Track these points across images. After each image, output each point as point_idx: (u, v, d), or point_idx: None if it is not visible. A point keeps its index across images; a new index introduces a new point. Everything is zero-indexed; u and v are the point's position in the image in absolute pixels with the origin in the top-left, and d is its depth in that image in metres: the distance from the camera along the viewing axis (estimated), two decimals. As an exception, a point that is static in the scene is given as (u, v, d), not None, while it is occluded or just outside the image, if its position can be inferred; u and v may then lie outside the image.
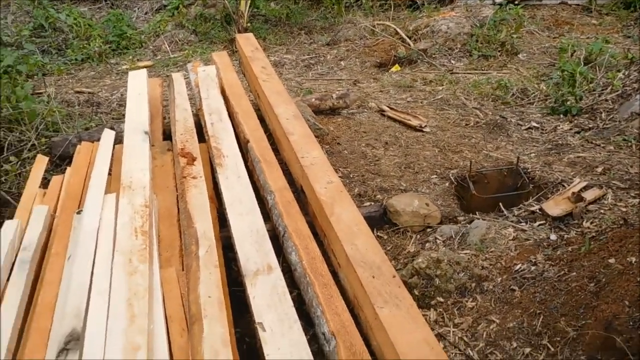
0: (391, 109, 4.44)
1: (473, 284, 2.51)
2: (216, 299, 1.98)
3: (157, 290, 2.12)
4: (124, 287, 2.01)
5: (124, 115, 4.74)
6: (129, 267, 2.10)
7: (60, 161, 3.89)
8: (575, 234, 2.80)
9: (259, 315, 1.96)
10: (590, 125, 4.27)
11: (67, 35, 6.90)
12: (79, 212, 2.55)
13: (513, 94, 4.88)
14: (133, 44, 6.91)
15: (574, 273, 2.41)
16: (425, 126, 4.19)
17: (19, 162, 3.76)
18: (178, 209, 2.73)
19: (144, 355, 1.75)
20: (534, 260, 2.58)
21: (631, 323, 2.04)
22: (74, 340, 1.87)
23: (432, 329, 2.05)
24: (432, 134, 4.13)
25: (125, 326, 1.85)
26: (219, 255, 2.29)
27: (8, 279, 2.29)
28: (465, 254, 2.69)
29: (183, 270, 2.34)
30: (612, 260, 2.37)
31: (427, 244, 2.92)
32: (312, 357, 1.82)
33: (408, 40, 6.20)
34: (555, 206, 3.06)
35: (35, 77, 5.82)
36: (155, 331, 1.94)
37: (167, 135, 3.57)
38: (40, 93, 5.12)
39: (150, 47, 6.93)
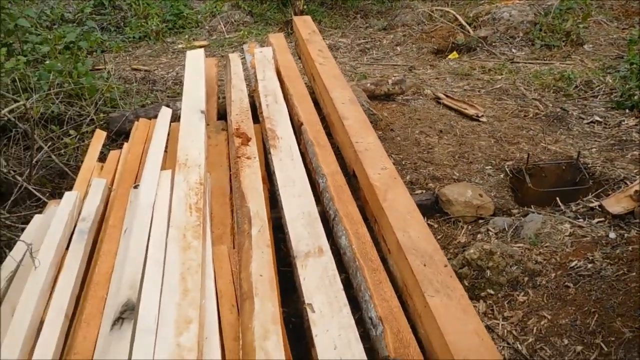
0: (447, 96, 4.37)
1: (525, 278, 2.45)
2: (267, 278, 2.00)
3: (209, 266, 2.16)
4: (177, 262, 2.05)
5: (178, 93, 4.84)
6: (183, 242, 2.14)
7: (116, 136, 3.99)
8: (636, 233, 2.70)
9: (309, 297, 1.96)
10: (657, 121, 4.10)
11: (125, 14, 7.06)
12: (135, 187, 2.61)
13: (576, 86, 4.72)
14: (189, 24, 7.02)
15: (634, 273, 2.32)
16: (482, 116, 4.10)
17: (78, 136, 3.87)
18: (231, 187, 2.76)
19: (195, 328, 1.78)
20: (591, 258, 2.50)
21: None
22: (129, 310, 1.92)
23: (481, 321, 2.01)
24: (488, 124, 4.04)
25: (179, 299, 1.88)
26: (270, 236, 2.31)
27: (67, 248, 2.37)
28: (519, 247, 2.63)
29: (234, 248, 2.37)
30: (674, 262, 2.28)
31: (478, 236, 2.86)
32: (360, 341, 1.82)
33: (467, 27, 6.07)
34: (616, 204, 2.96)
35: (95, 53, 5.97)
36: (207, 306, 1.97)
37: (221, 115, 3.61)
38: (100, 69, 5.25)
39: (206, 27, 7.02)
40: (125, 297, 1.96)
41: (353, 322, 1.88)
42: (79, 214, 2.55)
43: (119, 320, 1.89)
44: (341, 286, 2.02)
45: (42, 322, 2.03)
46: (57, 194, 3.37)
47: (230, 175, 2.84)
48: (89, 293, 2.11)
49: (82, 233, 2.40)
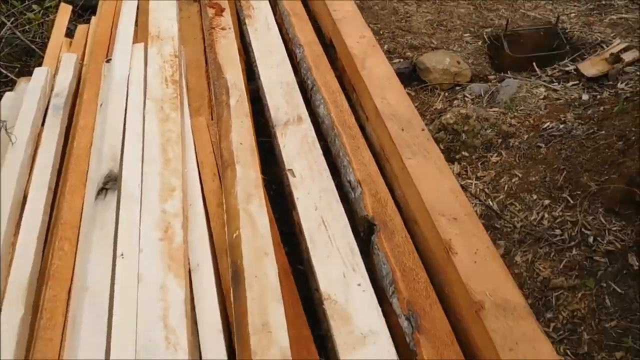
0: (425, -38, 4.20)
1: (499, 140, 2.52)
2: (248, 146, 2.02)
3: (189, 137, 2.17)
4: (157, 133, 2.05)
5: (145, -35, 4.58)
6: (161, 114, 2.13)
7: (82, 11, 3.81)
8: (609, 94, 2.75)
9: (289, 163, 2.01)
10: (637, -16, 4.02)
11: None
12: (108, 61, 2.55)
13: (557, -52, 4.56)
14: None
15: (603, 131, 2.39)
16: (461, -19, 3.98)
17: (41, 11, 3.70)
18: (206, 60, 2.70)
19: (180, 195, 1.83)
20: (563, 119, 2.56)
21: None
22: (112, 181, 1.94)
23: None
24: (467, -10, 3.94)
25: (161, 169, 1.91)
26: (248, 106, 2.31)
27: (42, 124, 2.35)
28: (494, 111, 2.68)
29: (212, 120, 2.37)
30: (644, 120, 2.35)
31: (455, 102, 2.89)
32: (340, 202, 1.88)
33: None
34: (592, 66, 2.98)
35: None
36: (189, 175, 2.00)
37: (192, -14, 3.45)
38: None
39: None
40: (107, 169, 1.98)
41: (333, 185, 1.94)
42: (52, 89, 2.51)
43: (103, 190, 1.91)
44: (320, 151, 2.06)
45: (25, 197, 2.06)
46: (26, 72, 3.28)
47: (205, 47, 2.77)
48: (69, 167, 2.12)
49: (57, 108, 2.37)
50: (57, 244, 1.81)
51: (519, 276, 1.99)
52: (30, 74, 2.89)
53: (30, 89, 2.42)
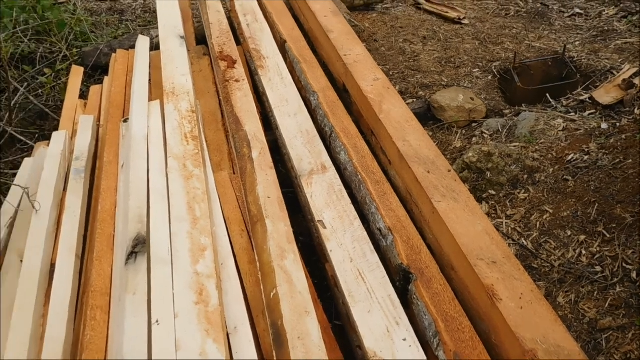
0: (427, 1, 4.25)
1: (525, 176, 2.49)
2: (276, 199, 1.99)
3: (214, 193, 2.15)
4: (182, 191, 2.03)
5: (149, 22, 4.66)
6: (184, 171, 2.11)
7: (92, 71, 3.85)
8: (628, 121, 2.73)
9: (319, 214, 1.97)
10: (638, 9, 4.05)
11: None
12: (125, 121, 2.54)
13: (555, -21, 4.62)
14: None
15: (630, 160, 2.36)
16: (464, 18, 4.02)
17: (53, 74, 3.72)
18: (222, 113, 2.70)
19: (211, 255, 1.79)
20: (586, 150, 2.53)
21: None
22: (141, 244, 1.91)
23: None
24: (471, 26, 3.97)
25: (190, 228, 1.88)
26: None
27: (65, 189, 2.33)
28: (515, 146, 2.65)
29: (234, 173, 2.35)
30: (670, 146, 2.32)
31: (473, 139, 2.88)
32: (375, 252, 1.84)
33: None
34: (606, 94, 2.97)
35: (54, -14, 5.66)
36: (217, 232, 1.97)
37: (200, 40, 3.48)
38: (63, 2, 4.99)
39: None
40: (135, 232, 1.94)
41: (366, 234, 1.91)
42: (71, 153, 2.50)
43: (133, 254, 1.88)
44: (349, 200, 2.03)
45: (52, 265, 2.03)
46: (42, 136, 3.29)
47: (219, 100, 2.77)
48: (95, 231, 2.09)
49: (79, 172, 2.36)
50: (88, 313, 1.76)
51: (564, 319, 1.93)
52: (45, 137, 2.89)
53: (50, 154, 2.41)
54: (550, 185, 2.43)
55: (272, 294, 1.67)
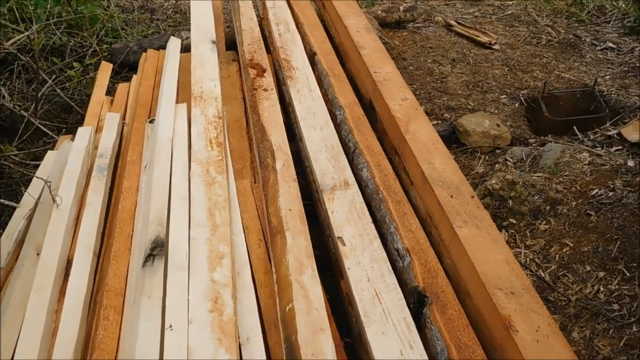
0: (459, 24, 4.24)
1: (547, 207, 2.46)
2: (297, 212, 1.98)
3: (235, 201, 2.14)
4: (203, 197, 2.03)
5: (180, 22, 4.69)
6: (207, 177, 2.11)
7: (120, 68, 3.88)
8: (655, 161, 2.70)
9: (338, 230, 1.96)
10: (671, 47, 4.02)
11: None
12: (151, 121, 2.55)
13: (588, 12, 4.60)
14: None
15: (656, 201, 2.33)
16: (495, 43, 4.00)
17: (81, 69, 3.76)
18: (247, 121, 2.71)
19: (228, 263, 1.78)
20: (611, 186, 2.50)
21: None
22: (159, 247, 1.91)
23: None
24: (501, 52, 3.95)
25: (209, 235, 1.87)
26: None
27: (86, 185, 2.34)
28: (539, 177, 2.63)
29: (255, 182, 2.35)
30: (697, 189, 2.29)
31: (496, 166, 2.85)
32: (392, 273, 1.83)
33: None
34: (634, 131, 2.94)
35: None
36: (236, 241, 1.96)
37: (229, 45, 3.50)
38: (96, -2, 5.05)
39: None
40: (154, 234, 1.94)
41: (385, 254, 1.89)
42: (95, 149, 2.51)
43: (150, 257, 1.87)
44: (370, 219, 2.02)
45: (69, 261, 2.03)
46: (65, 130, 3.31)
47: (245, 107, 2.78)
48: (114, 230, 2.09)
49: (102, 170, 2.37)
50: (102, 313, 1.76)
51: (577, 354, 1.90)
52: (69, 131, 2.90)
53: (74, 149, 2.42)
54: (572, 219, 2.40)
55: (287, 307, 1.66)
